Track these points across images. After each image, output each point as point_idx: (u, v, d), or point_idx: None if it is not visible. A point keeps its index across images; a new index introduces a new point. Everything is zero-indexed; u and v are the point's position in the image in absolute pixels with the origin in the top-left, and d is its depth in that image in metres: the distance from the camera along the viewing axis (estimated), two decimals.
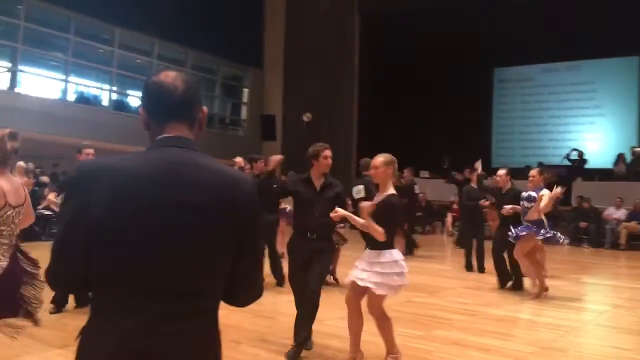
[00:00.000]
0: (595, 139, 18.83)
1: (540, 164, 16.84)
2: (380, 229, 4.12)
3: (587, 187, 15.32)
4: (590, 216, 14.51)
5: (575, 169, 16.08)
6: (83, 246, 1.43)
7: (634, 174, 15.16)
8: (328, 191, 4.77)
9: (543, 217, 7.16)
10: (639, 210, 14.13)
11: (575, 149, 16.63)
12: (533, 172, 7.54)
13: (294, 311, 6.38)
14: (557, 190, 7.16)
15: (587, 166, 16.32)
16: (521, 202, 7.36)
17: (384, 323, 4.34)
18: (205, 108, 1.66)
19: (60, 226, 1.50)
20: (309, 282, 4.55)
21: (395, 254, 4.24)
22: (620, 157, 16.25)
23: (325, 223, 4.66)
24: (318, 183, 4.77)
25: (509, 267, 7.84)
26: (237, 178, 1.56)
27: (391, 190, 4.27)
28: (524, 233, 7.19)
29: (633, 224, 13.93)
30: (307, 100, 20.24)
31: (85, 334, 1.48)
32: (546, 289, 7.38)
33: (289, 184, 5.12)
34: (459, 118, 18.30)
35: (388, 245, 4.20)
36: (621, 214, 14.41)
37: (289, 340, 5.12)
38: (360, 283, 4.20)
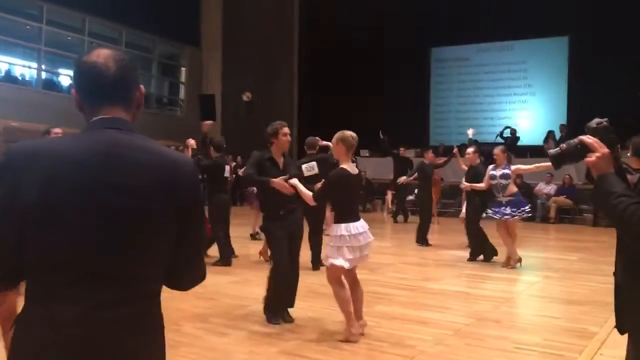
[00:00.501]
0: (527, 117, 19.53)
1: (475, 141, 17.37)
2: (308, 194, 4.59)
3: (519, 164, 15.83)
4: (522, 191, 15.05)
5: (508, 146, 16.60)
6: (15, 233, 1.37)
7: None
8: (290, 169, 5.06)
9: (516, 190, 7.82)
10: (567, 185, 14.81)
11: (508, 127, 17.15)
12: (496, 151, 7.96)
13: (235, 292, 6.40)
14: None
15: (519, 143, 16.88)
16: (496, 180, 7.72)
17: (335, 293, 4.56)
18: (142, 87, 1.61)
19: None
20: (293, 256, 5.01)
21: (342, 228, 4.45)
22: (549, 135, 16.90)
23: (292, 199, 4.93)
24: (280, 161, 5.02)
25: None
26: (177, 160, 1.52)
27: (343, 165, 4.52)
28: (516, 217, 7.70)
29: (562, 198, 14.60)
30: (246, 79, 20.01)
31: (19, 323, 1.43)
32: (519, 260, 7.84)
33: (256, 165, 5.06)
34: (398, 97, 18.57)
35: (338, 219, 4.53)
36: (551, 189, 15.07)
37: (231, 320, 5.13)
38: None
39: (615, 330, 2.01)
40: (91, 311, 1.38)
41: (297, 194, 4.79)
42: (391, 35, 18.38)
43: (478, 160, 8.55)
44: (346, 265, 4.46)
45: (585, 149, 1.85)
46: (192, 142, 8.08)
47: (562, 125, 16.82)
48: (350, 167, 4.57)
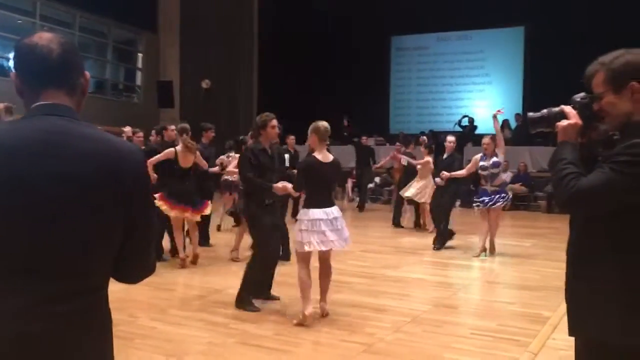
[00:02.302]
0: (484, 105, 19.80)
1: (431, 131, 17.61)
2: (284, 185, 5.01)
3: (476, 152, 16.02)
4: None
5: (466, 135, 16.86)
6: None
7: (518, 139, 16.14)
8: (279, 159, 5.49)
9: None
10: (522, 173, 15.13)
11: (466, 116, 17.42)
12: (486, 140, 8.00)
13: (194, 283, 6.32)
14: None
15: (477, 132, 17.15)
16: (487, 171, 7.80)
17: (298, 273, 4.74)
18: (87, 73, 1.54)
19: None
20: (280, 237, 5.48)
21: (309, 213, 4.64)
22: (504, 123, 17.20)
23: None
24: (269, 151, 5.27)
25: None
26: (121, 148, 1.45)
27: (315, 154, 4.75)
28: (499, 203, 7.73)
29: (517, 185, 14.90)
30: (205, 66, 19.66)
31: None
32: (485, 249, 7.90)
33: (253, 158, 5.18)
34: (358, 85, 18.58)
35: (305, 204, 4.75)
36: (506, 176, 15.33)
37: (189, 311, 5.06)
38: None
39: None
40: (31, 307, 1.31)
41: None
42: (352, 23, 18.35)
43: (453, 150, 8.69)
44: (312, 248, 4.61)
45: (563, 118, 1.96)
46: (128, 129, 7.95)
47: (517, 115, 17.15)
48: (322, 155, 4.76)
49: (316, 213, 4.63)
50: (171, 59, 20.74)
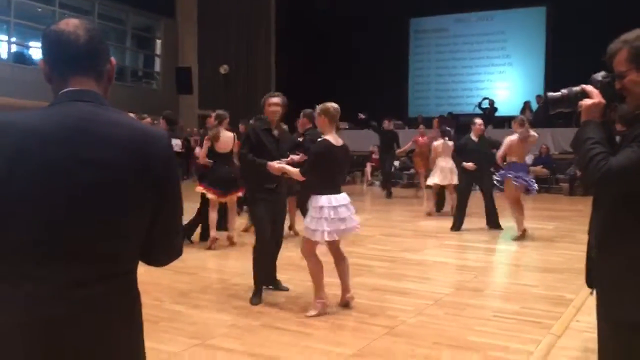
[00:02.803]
0: (505, 87, 19.59)
1: (450, 114, 17.46)
2: (295, 171, 4.57)
3: (497, 134, 15.92)
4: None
5: (486, 117, 16.70)
6: None
7: (539, 121, 15.94)
8: (284, 139, 5.12)
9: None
10: (544, 155, 14.95)
11: (487, 98, 17.22)
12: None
13: (216, 267, 6.38)
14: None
15: (497, 114, 16.97)
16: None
17: (309, 265, 4.57)
18: (113, 59, 1.56)
19: None
20: (277, 228, 5.03)
21: (322, 200, 4.40)
22: (526, 105, 17.01)
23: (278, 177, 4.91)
24: (275, 132, 5.03)
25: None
26: (149, 133, 1.47)
27: (326, 137, 4.48)
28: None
29: (539, 168, 14.73)
30: (223, 51, 19.69)
31: None
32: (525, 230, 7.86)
33: (253, 136, 5.01)
34: (377, 69, 18.45)
35: (316, 190, 4.47)
36: (528, 158, 15.18)
37: (212, 295, 5.12)
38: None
39: (591, 297, 2.06)
40: (61, 290, 1.34)
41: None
42: (370, 6, 18.16)
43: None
44: (326, 237, 4.42)
45: (584, 97, 1.94)
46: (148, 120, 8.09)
47: (538, 96, 16.92)
48: (333, 138, 4.49)
49: (323, 200, 4.40)
50: (189, 45, 20.79)
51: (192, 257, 6.56)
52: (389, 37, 19.29)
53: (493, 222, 8.50)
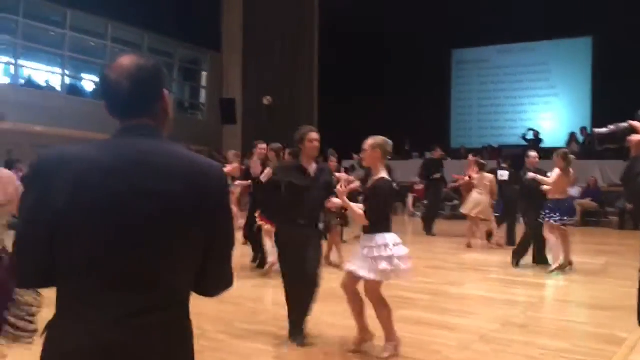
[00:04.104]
0: (550, 118, 19.29)
1: (489, 146, 17.26)
2: (359, 212, 4.21)
3: (542, 166, 15.64)
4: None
5: (531, 149, 16.43)
6: (46, 238, 1.38)
7: (586, 153, 15.60)
8: (322, 176, 4.74)
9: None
10: (592, 188, 14.58)
11: (531, 129, 16.98)
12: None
13: (258, 296, 6.40)
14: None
15: (542, 145, 16.70)
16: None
17: (379, 309, 4.29)
18: (166, 94, 1.57)
19: (22, 218, 1.44)
20: (308, 266, 4.55)
21: (388, 238, 4.17)
22: (572, 137, 16.69)
23: (316, 209, 4.72)
24: (311, 169, 4.72)
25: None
26: (205, 165, 1.51)
27: (382, 174, 4.24)
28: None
29: (587, 201, 14.38)
30: (267, 83, 20.04)
31: (50, 330, 1.43)
32: (570, 263, 7.67)
33: (278, 175, 4.90)
34: (419, 99, 18.45)
35: (380, 228, 4.19)
36: (575, 191, 14.82)
37: (254, 325, 5.13)
38: (349, 267, 4.27)
39: None
40: (124, 318, 1.37)
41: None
42: (412, 37, 18.26)
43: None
44: (384, 278, 4.17)
45: (632, 133, 1.94)
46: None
47: (582, 129, 16.59)
48: (386, 174, 4.31)
49: (391, 238, 4.17)
50: (234, 77, 21.26)
51: (237, 286, 6.58)
52: (431, 68, 19.32)
53: (540, 257, 8.25)
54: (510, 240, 9.95)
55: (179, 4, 18.12)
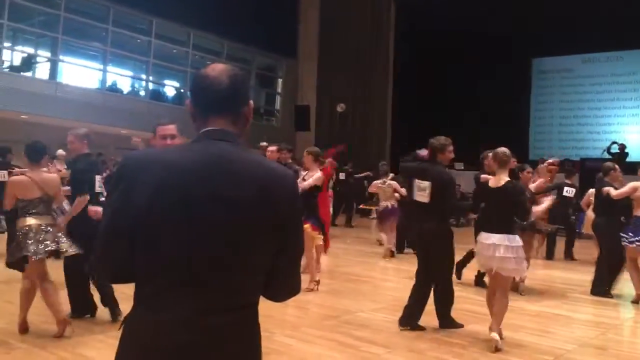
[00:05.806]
0: (637, 131, 18.29)
1: (566, 160, 16.48)
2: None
3: (628, 181, 14.90)
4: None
5: (616, 163, 15.66)
6: (127, 238, 1.44)
7: None
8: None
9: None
10: None
11: (616, 142, 16.15)
12: None
13: (325, 302, 6.41)
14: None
15: (628, 159, 15.85)
16: None
17: (506, 301, 4.90)
18: (251, 102, 1.64)
19: (106, 215, 1.51)
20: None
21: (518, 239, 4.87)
22: None
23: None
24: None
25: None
26: (279, 173, 1.55)
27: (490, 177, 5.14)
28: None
29: None
30: (341, 90, 20.16)
31: (127, 324, 1.50)
32: None
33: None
34: (497, 109, 17.95)
35: (514, 229, 4.94)
36: None
37: (321, 330, 5.14)
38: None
39: None
40: (196, 316, 1.41)
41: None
42: (490, 46, 17.85)
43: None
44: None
45: None
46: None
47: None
48: (493, 180, 4.96)
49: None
50: (308, 84, 21.51)
51: (302, 291, 6.65)
52: (510, 77, 18.75)
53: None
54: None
55: (257, 12, 18.54)
